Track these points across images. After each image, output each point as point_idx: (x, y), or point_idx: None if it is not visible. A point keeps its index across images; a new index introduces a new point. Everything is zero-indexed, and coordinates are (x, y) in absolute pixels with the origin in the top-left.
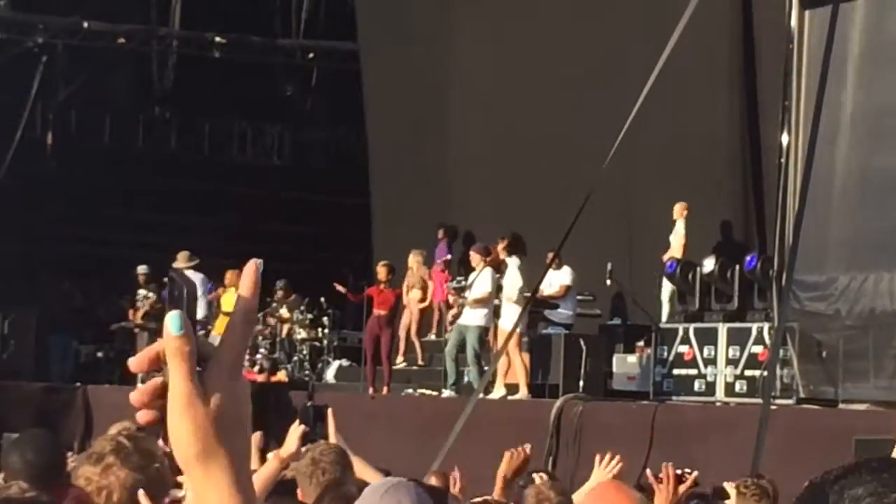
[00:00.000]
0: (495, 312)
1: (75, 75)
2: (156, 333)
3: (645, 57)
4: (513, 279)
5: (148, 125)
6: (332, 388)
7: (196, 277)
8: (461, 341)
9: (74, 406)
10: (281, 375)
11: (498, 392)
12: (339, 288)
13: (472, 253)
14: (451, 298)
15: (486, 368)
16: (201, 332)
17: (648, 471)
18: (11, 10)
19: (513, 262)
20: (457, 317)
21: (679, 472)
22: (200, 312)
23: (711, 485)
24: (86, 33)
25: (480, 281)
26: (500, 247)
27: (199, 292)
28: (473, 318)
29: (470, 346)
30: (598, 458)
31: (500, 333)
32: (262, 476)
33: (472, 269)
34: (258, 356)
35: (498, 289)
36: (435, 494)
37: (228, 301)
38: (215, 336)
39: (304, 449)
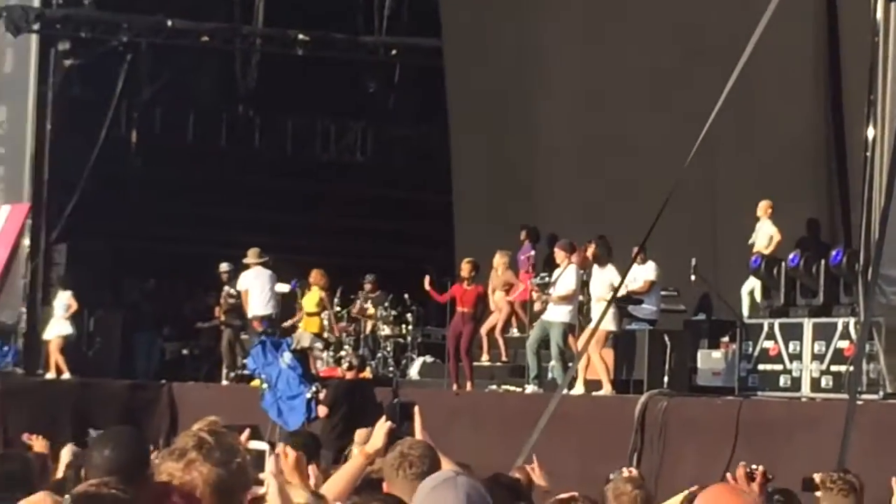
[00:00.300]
0: (581, 310)
1: (159, 74)
2: (238, 329)
3: (729, 52)
4: (601, 280)
5: (231, 123)
6: (415, 385)
7: (264, 274)
8: (543, 336)
9: (160, 403)
10: (366, 372)
11: (580, 387)
12: (428, 287)
13: (556, 250)
14: (534, 294)
15: (570, 365)
16: (268, 328)
17: (728, 474)
18: (97, 9)
19: (601, 265)
20: (541, 312)
21: (748, 470)
22: (269, 309)
23: (796, 481)
24: (170, 32)
25: (565, 278)
26: (589, 251)
27: (268, 289)
28: (558, 314)
29: (554, 342)
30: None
31: (587, 331)
32: (347, 471)
33: (557, 266)
34: (342, 353)
35: (582, 286)
36: (516, 489)
37: (311, 301)
38: (302, 333)
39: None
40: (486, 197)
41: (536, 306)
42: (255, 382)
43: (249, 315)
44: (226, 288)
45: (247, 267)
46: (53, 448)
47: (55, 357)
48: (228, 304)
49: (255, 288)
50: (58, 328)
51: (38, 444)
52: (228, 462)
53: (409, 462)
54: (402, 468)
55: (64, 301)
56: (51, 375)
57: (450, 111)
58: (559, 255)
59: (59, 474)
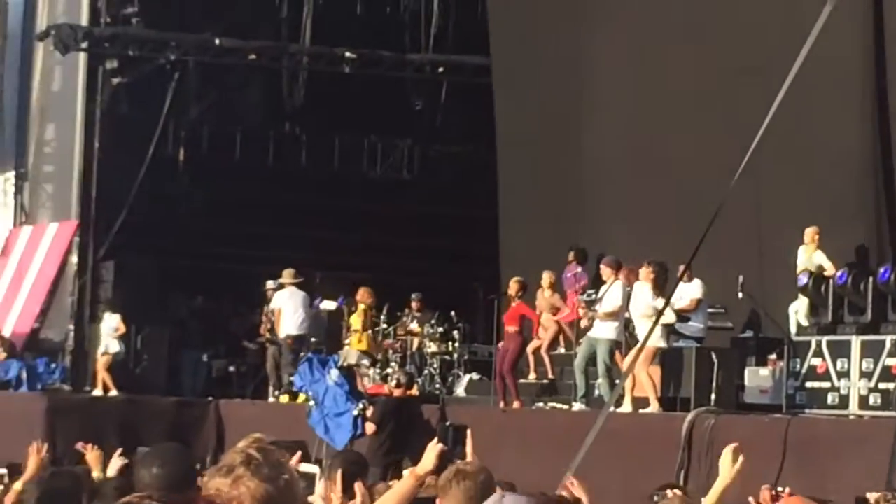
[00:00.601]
0: (627, 327)
1: (207, 92)
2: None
3: (776, 69)
4: (644, 296)
5: (278, 141)
6: (462, 402)
7: (298, 295)
8: (591, 354)
9: (207, 420)
10: (413, 390)
11: (627, 405)
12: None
13: (602, 266)
14: (580, 311)
15: (616, 382)
16: (298, 348)
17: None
18: (145, 27)
19: (645, 285)
20: (587, 329)
21: (773, 492)
22: (302, 329)
23: (845, 499)
24: (217, 50)
25: (611, 294)
26: (643, 274)
27: (301, 309)
28: (604, 331)
29: (600, 359)
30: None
31: (635, 349)
32: (398, 493)
33: (603, 283)
34: (389, 370)
35: (628, 302)
36: None
37: (357, 319)
38: (348, 350)
39: None
40: (532, 214)
41: (583, 323)
42: (301, 398)
43: (282, 335)
44: (270, 305)
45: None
46: (106, 459)
47: (102, 375)
48: (272, 321)
49: (289, 308)
50: (106, 346)
51: (92, 454)
52: (276, 478)
53: (463, 475)
54: (457, 480)
55: (113, 324)
56: (98, 392)
57: (497, 128)
58: (605, 271)
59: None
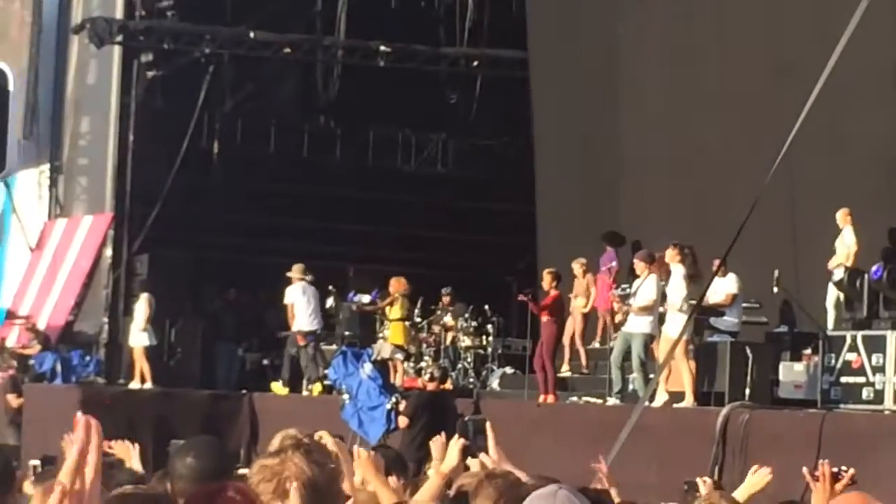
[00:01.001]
0: (660, 320)
1: (241, 85)
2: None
3: (810, 64)
4: (677, 287)
5: (313, 134)
6: (496, 396)
7: (309, 290)
8: (626, 348)
9: (240, 413)
10: (447, 383)
11: (660, 398)
12: (523, 298)
13: (636, 260)
14: (615, 305)
15: (651, 376)
16: (311, 342)
17: (805, 469)
18: (179, 21)
19: (677, 271)
20: (622, 324)
21: (836, 469)
22: (314, 325)
23: (880, 494)
24: (252, 43)
25: (645, 288)
26: (669, 255)
27: (314, 304)
28: (639, 325)
29: (635, 353)
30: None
31: (666, 341)
32: (426, 493)
33: (637, 276)
34: (423, 364)
35: (662, 296)
36: (600, 499)
37: (395, 311)
38: (382, 343)
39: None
40: (568, 207)
41: (618, 317)
42: (315, 388)
43: (294, 329)
44: (284, 300)
45: (290, 281)
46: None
47: (140, 364)
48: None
49: (301, 303)
50: (138, 339)
51: (119, 447)
52: (324, 464)
53: (493, 476)
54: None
55: (141, 313)
56: (135, 384)
57: (534, 122)
58: (639, 265)
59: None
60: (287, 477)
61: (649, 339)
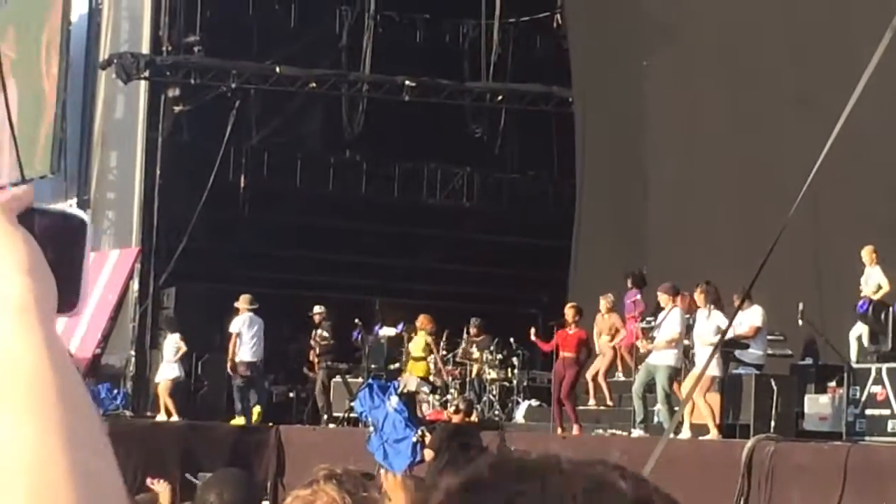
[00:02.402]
0: (686, 354)
1: (267, 120)
2: (328, 371)
3: (833, 93)
4: (706, 325)
5: (338, 168)
6: (521, 429)
7: (255, 321)
8: (649, 380)
9: (267, 446)
10: (472, 416)
11: (685, 433)
12: (533, 338)
13: (659, 293)
14: (639, 340)
15: (676, 409)
16: (251, 374)
17: None
18: (206, 56)
19: (707, 310)
20: (644, 356)
21: None
22: (256, 356)
23: None
24: (278, 78)
25: (670, 321)
26: (697, 295)
27: (257, 336)
28: (663, 358)
29: (660, 386)
30: None
31: (692, 376)
32: None
33: (661, 309)
34: (449, 396)
35: (687, 329)
36: None
37: (417, 345)
38: (408, 376)
39: None
40: (604, 243)
41: (642, 350)
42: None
43: (237, 359)
44: (318, 330)
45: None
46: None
47: (164, 400)
48: (321, 346)
49: (245, 334)
50: (167, 371)
51: (161, 486)
52: (356, 492)
53: None
54: None
55: (173, 344)
56: (161, 418)
57: (577, 157)
58: (662, 298)
59: None
60: None
61: (674, 372)
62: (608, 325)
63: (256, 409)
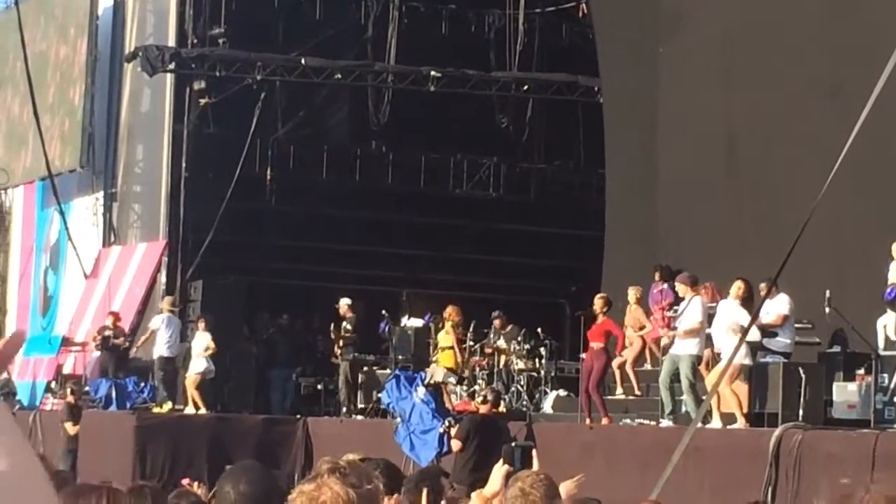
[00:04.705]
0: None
1: (293, 111)
2: (352, 363)
3: (857, 86)
4: (730, 313)
5: (364, 160)
6: (549, 419)
7: (174, 321)
8: (674, 370)
9: (295, 437)
10: (500, 407)
11: (715, 423)
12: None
13: (678, 283)
14: (661, 331)
15: (703, 398)
16: (168, 368)
17: None
18: (231, 48)
19: (732, 302)
20: (669, 346)
21: None
22: (172, 353)
23: None
24: (303, 70)
25: (690, 311)
26: (736, 291)
27: (175, 334)
28: (685, 347)
29: (683, 375)
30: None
31: (717, 370)
32: None
33: (681, 299)
34: (476, 387)
35: (709, 319)
36: None
37: (445, 336)
38: (435, 367)
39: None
40: (629, 232)
41: (664, 340)
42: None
43: (154, 355)
44: (343, 323)
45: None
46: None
47: (191, 392)
48: (344, 339)
49: (163, 332)
50: (196, 365)
51: (199, 490)
52: (360, 486)
53: (531, 502)
54: (514, 481)
55: (203, 342)
56: (190, 411)
57: (607, 147)
58: (681, 288)
59: None
60: (324, 501)
61: (697, 361)
62: (634, 318)
63: (168, 405)
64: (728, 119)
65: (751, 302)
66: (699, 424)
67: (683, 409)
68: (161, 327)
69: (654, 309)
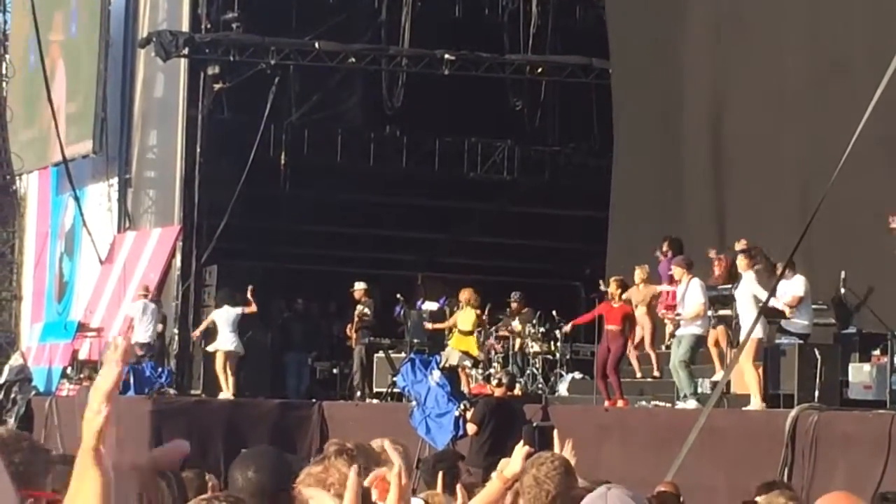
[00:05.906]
0: (730, 325)
1: (307, 96)
2: (367, 347)
3: (870, 64)
4: (750, 290)
5: (379, 144)
6: (565, 402)
7: (150, 307)
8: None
9: (311, 421)
10: (516, 390)
11: (754, 404)
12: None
13: (674, 266)
14: (663, 313)
15: (715, 378)
16: (144, 354)
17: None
18: (244, 33)
19: (748, 276)
20: (675, 329)
21: None
22: (148, 338)
23: None
24: (317, 54)
25: (691, 295)
26: (742, 265)
27: (152, 321)
28: (689, 329)
29: (681, 351)
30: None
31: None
32: (485, 496)
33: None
34: (492, 370)
35: (725, 299)
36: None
37: (466, 320)
38: (451, 350)
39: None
40: (637, 214)
41: (669, 327)
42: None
43: (133, 341)
44: (359, 307)
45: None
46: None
47: (222, 374)
48: (362, 322)
49: (140, 319)
50: (223, 342)
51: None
52: (368, 467)
53: (545, 492)
54: (539, 499)
55: (234, 314)
56: (225, 394)
57: (615, 130)
58: (677, 271)
59: None
60: (331, 483)
61: (699, 340)
62: (643, 296)
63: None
64: (736, 100)
65: (765, 274)
66: (714, 405)
67: (700, 389)
68: (137, 314)
69: (665, 280)
